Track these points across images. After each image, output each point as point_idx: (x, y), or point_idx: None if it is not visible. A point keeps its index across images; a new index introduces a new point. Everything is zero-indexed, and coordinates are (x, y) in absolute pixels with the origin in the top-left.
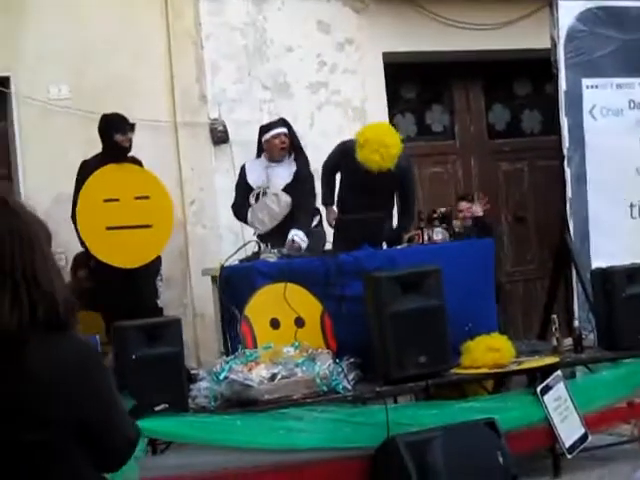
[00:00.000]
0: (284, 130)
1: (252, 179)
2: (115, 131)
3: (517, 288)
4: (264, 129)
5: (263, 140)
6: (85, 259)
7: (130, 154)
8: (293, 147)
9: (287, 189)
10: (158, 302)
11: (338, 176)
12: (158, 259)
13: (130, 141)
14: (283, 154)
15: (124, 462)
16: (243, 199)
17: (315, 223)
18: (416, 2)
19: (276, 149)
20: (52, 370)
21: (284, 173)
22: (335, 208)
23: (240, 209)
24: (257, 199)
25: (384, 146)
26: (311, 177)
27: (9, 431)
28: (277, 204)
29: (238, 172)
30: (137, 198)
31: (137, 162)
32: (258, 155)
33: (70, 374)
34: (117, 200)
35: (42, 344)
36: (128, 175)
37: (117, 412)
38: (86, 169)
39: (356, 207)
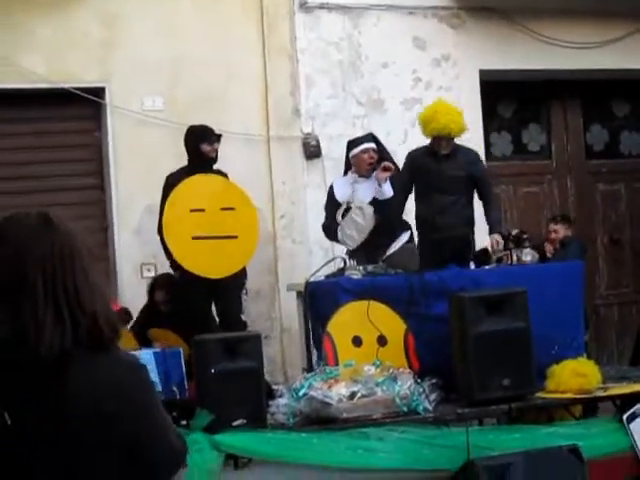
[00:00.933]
0: (372, 145)
1: (339, 195)
2: (201, 141)
3: (612, 312)
4: (352, 144)
5: (351, 155)
6: (164, 281)
7: (219, 166)
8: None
9: (373, 204)
10: (242, 316)
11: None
12: (243, 272)
13: (216, 151)
14: (371, 169)
15: (172, 474)
16: (332, 218)
17: (406, 239)
18: (514, 19)
19: (364, 164)
20: (94, 392)
21: (371, 188)
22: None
23: (330, 228)
24: (343, 216)
25: (451, 113)
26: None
27: (58, 455)
28: (362, 217)
29: (327, 190)
30: (223, 209)
31: (222, 174)
32: (345, 172)
33: (113, 394)
34: (203, 210)
35: (84, 365)
36: (214, 186)
37: (161, 426)
38: (171, 182)
39: (433, 212)
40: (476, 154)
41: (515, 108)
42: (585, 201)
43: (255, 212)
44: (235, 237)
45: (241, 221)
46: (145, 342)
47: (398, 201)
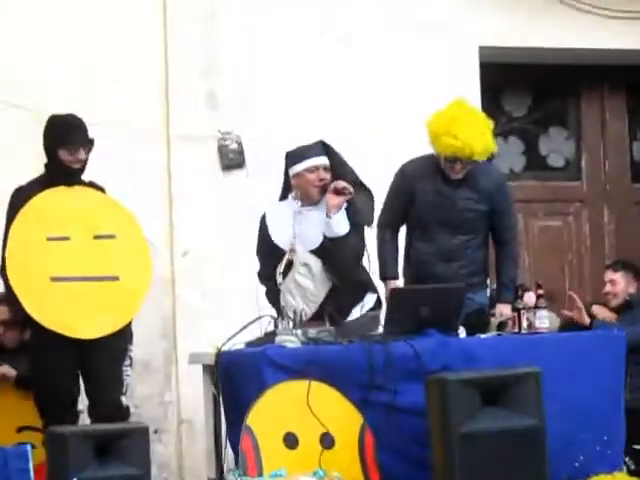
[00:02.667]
0: (323, 161)
1: (277, 235)
2: (60, 145)
3: None
4: (293, 158)
5: (292, 174)
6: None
7: (91, 177)
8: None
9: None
10: (123, 399)
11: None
12: (126, 333)
13: (82, 162)
14: (321, 194)
15: None
16: (271, 269)
17: (371, 304)
18: None
19: (311, 187)
20: None
21: (322, 222)
22: (398, 283)
23: (269, 288)
24: (285, 274)
25: (476, 123)
26: (361, 227)
27: None
28: (311, 278)
29: (259, 224)
30: (97, 237)
31: (98, 188)
32: (284, 195)
33: None
34: (67, 239)
35: None
36: (83, 204)
37: None
38: (22, 198)
39: (435, 258)
40: (500, 176)
41: (530, 104)
42: (629, 239)
43: (146, 242)
44: (116, 278)
45: (125, 255)
46: None
47: (359, 241)
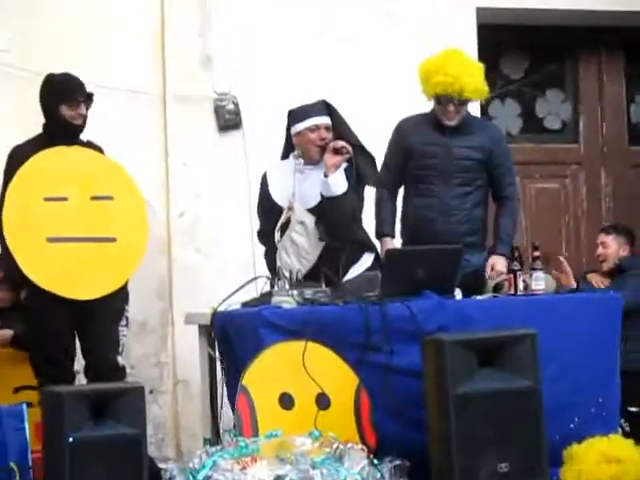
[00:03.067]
0: (325, 120)
1: (277, 193)
2: (60, 101)
3: None
4: (295, 116)
5: (293, 132)
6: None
7: (89, 137)
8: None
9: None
10: (119, 358)
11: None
12: (122, 294)
13: (83, 117)
14: (322, 154)
15: None
16: (270, 229)
17: (369, 264)
18: None
19: (311, 147)
20: None
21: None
22: (394, 241)
23: (268, 247)
24: (282, 232)
25: (468, 64)
26: (361, 187)
27: None
28: (306, 236)
29: (260, 182)
30: (94, 198)
31: (95, 148)
32: (286, 154)
33: None
34: (65, 199)
35: None
36: (81, 165)
37: None
38: (18, 158)
39: (431, 210)
40: (497, 130)
41: (527, 66)
42: (626, 202)
43: (143, 203)
44: (112, 240)
45: (122, 217)
46: None
47: (357, 201)
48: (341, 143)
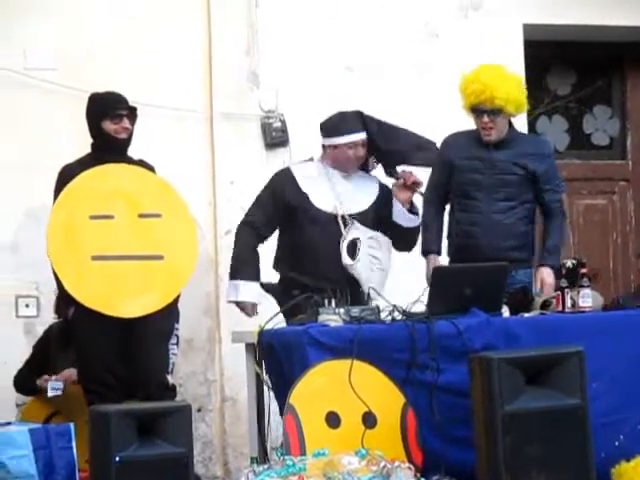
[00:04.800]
0: (362, 136)
1: (314, 196)
2: (102, 117)
3: None
4: (331, 129)
5: (328, 144)
6: None
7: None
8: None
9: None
10: (169, 377)
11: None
12: (173, 312)
13: (128, 132)
14: (355, 169)
15: None
16: (261, 219)
17: None
18: None
19: (347, 161)
20: None
21: (361, 186)
22: (439, 259)
23: (245, 236)
24: (353, 253)
25: (503, 75)
26: None
27: None
28: (379, 249)
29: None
30: (142, 216)
31: (145, 166)
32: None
33: None
34: (111, 217)
35: None
36: (129, 182)
37: None
38: (68, 176)
39: (473, 226)
40: (546, 144)
41: (574, 82)
42: None
43: (193, 221)
44: (160, 258)
45: (170, 235)
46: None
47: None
48: (413, 179)
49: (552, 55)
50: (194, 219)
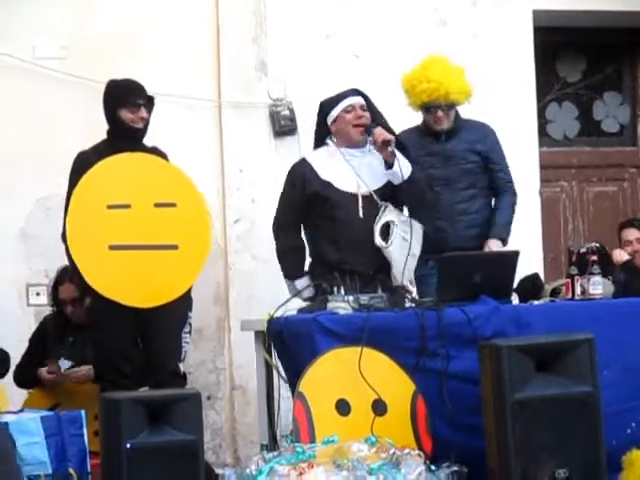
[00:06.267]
0: (359, 100)
1: (331, 176)
2: (120, 105)
3: None
4: (328, 104)
5: (330, 121)
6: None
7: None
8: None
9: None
10: (181, 365)
11: None
12: (186, 301)
13: (144, 121)
14: (363, 134)
15: None
16: (291, 221)
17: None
18: None
19: (350, 127)
20: None
21: (376, 162)
22: None
23: (289, 245)
24: (386, 237)
25: (448, 69)
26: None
27: None
28: (410, 234)
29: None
30: (158, 205)
31: (159, 154)
32: (317, 145)
33: None
34: (127, 207)
35: None
36: (145, 171)
37: None
38: (83, 164)
39: (440, 224)
40: (489, 128)
41: (584, 68)
42: None
43: (206, 210)
44: (174, 247)
45: (185, 224)
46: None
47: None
48: (382, 137)
49: (562, 41)
50: (208, 209)
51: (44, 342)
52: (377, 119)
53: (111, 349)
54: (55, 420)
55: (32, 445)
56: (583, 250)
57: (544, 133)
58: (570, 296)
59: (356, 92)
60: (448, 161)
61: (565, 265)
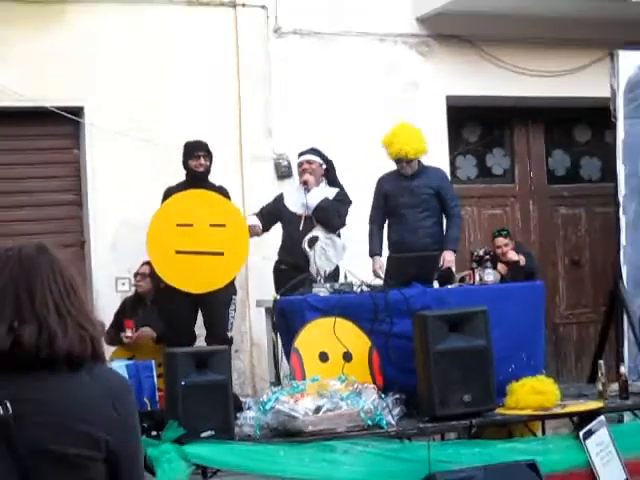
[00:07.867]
0: (307, 157)
1: (291, 204)
2: (188, 157)
3: (571, 331)
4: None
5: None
6: (150, 268)
7: (219, 184)
8: (328, 179)
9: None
10: (229, 333)
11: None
12: (231, 288)
13: (205, 166)
14: (305, 180)
15: None
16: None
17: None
18: (481, 47)
19: (301, 175)
20: (71, 405)
21: (320, 193)
22: (380, 259)
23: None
24: (311, 245)
25: (408, 136)
26: (343, 204)
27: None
28: (332, 247)
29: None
30: (213, 225)
31: (223, 192)
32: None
33: (92, 410)
34: (191, 225)
35: (67, 379)
36: (207, 202)
37: (138, 449)
38: (168, 194)
39: (403, 230)
40: (443, 172)
41: (480, 133)
42: (546, 224)
43: (246, 230)
44: (221, 254)
45: (230, 238)
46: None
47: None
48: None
49: (465, 115)
50: (247, 228)
51: (123, 315)
52: (329, 167)
53: (176, 320)
54: (134, 367)
55: None
56: (481, 253)
57: (454, 175)
58: (472, 282)
59: (310, 151)
60: (412, 193)
61: (468, 262)
